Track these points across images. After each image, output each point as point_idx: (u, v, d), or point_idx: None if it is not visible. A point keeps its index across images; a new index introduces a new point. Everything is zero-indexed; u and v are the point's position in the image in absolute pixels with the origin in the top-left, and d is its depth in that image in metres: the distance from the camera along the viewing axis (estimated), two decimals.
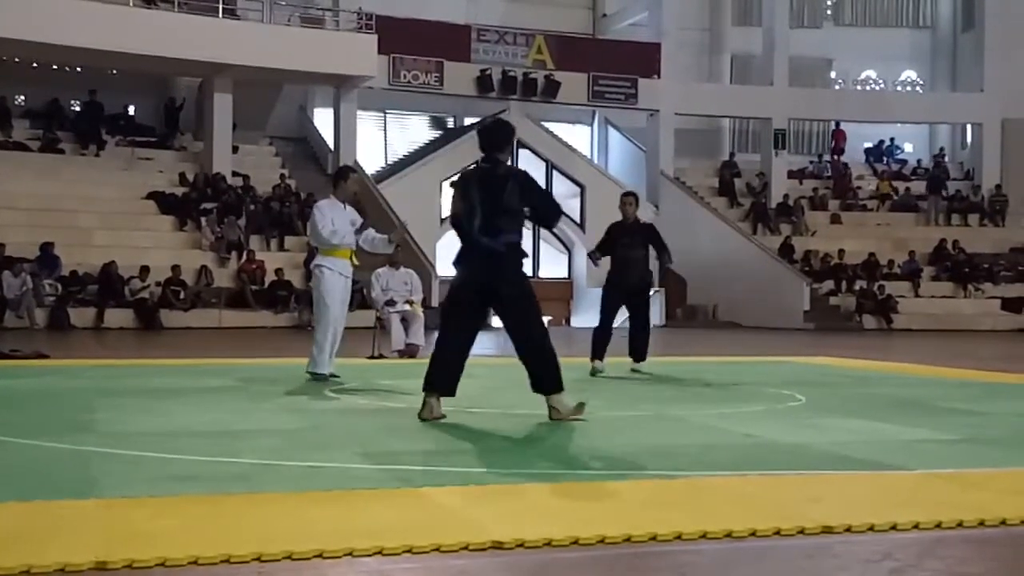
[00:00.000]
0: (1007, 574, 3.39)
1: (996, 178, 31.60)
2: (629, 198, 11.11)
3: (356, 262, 9.59)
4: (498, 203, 6.47)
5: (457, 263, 6.77)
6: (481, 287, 6.62)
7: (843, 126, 33.55)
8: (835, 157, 33.44)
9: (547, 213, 6.84)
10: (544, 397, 6.63)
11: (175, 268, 22.07)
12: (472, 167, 6.93)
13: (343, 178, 9.64)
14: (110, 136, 26.92)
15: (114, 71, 26.78)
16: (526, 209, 6.65)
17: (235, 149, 26.77)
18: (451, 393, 6.59)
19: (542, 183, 28.37)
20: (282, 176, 26.86)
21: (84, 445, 5.46)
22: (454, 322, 6.75)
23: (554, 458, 5.39)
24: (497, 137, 6.69)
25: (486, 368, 10.68)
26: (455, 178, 6.95)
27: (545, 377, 6.59)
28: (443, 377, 6.56)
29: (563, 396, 6.60)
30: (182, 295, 21.90)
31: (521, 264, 6.65)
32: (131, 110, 28.66)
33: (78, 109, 27.31)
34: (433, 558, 3.35)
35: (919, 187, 32.24)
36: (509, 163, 6.88)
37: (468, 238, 6.59)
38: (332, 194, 9.56)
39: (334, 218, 9.27)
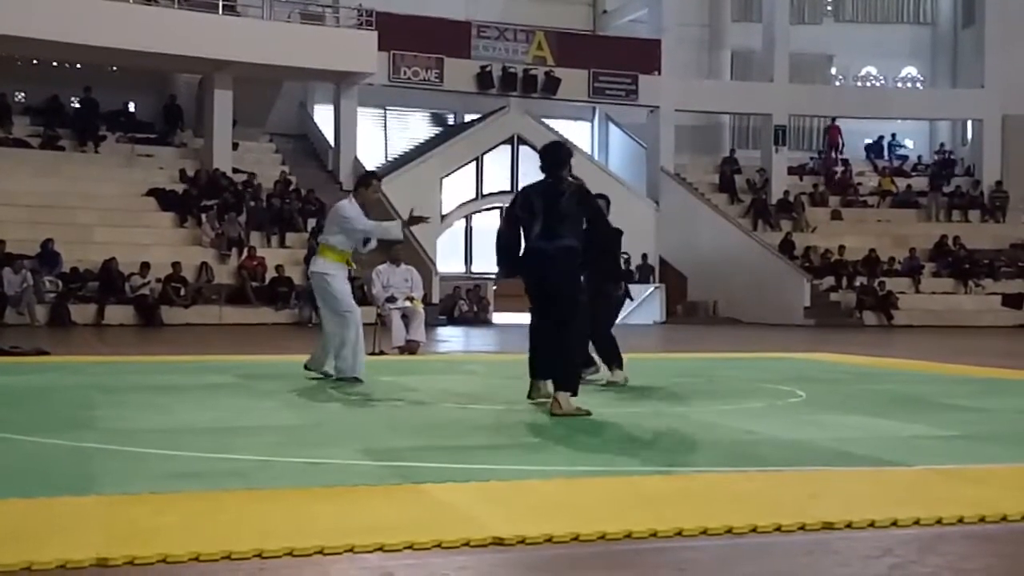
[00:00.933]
0: (1008, 570, 3.40)
1: (997, 174, 31.57)
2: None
3: (353, 265, 9.46)
4: (556, 210, 6.97)
5: (521, 265, 7.25)
6: (537, 284, 7.15)
7: (844, 123, 33.53)
8: (832, 154, 33.46)
9: (596, 228, 7.21)
10: (553, 389, 6.92)
11: (175, 265, 22.07)
12: (535, 182, 7.34)
13: (365, 184, 9.25)
14: (110, 133, 26.91)
15: (114, 68, 26.77)
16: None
17: (235, 146, 26.76)
18: (545, 377, 7.25)
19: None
20: (283, 173, 26.86)
21: (85, 442, 5.47)
22: (533, 317, 7.37)
23: (554, 454, 5.39)
24: (556, 157, 7.20)
25: (486, 364, 10.69)
26: (520, 189, 7.53)
27: (559, 370, 6.94)
28: (536, 365, 7.34)
29: (569, 396, 6.81)
30: (183, 292, 21.91)
31: (571, 266, 7.02)
32: (131, 107, 28.63)
33: (77, 106, 27.30)
34: (434, 554, 3.35)
35: (920, 183, 32.23)
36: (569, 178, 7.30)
37: (528, 243, 7.12)
38: (352, 196, 9.21)
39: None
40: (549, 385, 7.12)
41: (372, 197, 9.27)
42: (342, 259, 9.15)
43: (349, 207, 9.03)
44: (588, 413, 6.75)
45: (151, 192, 24.91)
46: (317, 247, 9.45)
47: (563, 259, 6.95)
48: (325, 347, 9.18)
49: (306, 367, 9.30)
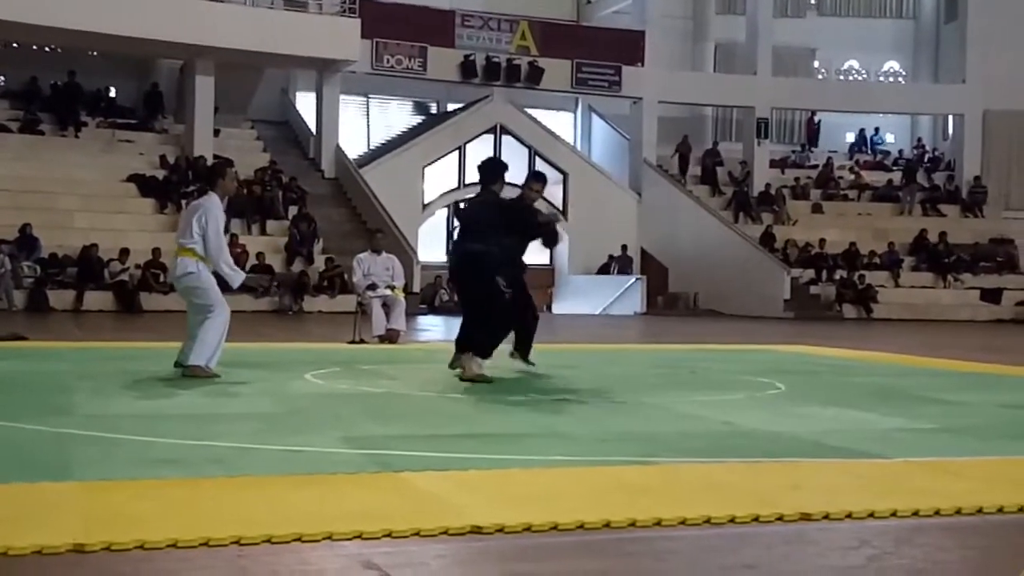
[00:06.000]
0: (983, 562, 3.42)
1: (977, 169, 31.69)
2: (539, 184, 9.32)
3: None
4: (481, 219, 8.53)
5: (449, 258, 9.06)
6: (461, 275, 8.77)
7: (826, 116, 33.66)
8: (811, 147, 33.64)
9: (525, 229, 8.82)
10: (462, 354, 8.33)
11: (155, 251, 21.93)
12: (475, 196, 9.08)
13: (221, 174, 8.68)
14: (90, 118, 26.74)
15: (94, 52, 26.58)
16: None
17: (216, 132, 26.63)
18: (461, 351, 8.56)
19: (525, 169, 28.25)
20: (272, 163, 26.66)
21: (63, 428, 5.44)
22: (460, 300, 9.38)
23: (534, 444, 5.40)
24: (488, 173, 8.76)
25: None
26: (464, 203, 9.77)
27: (473, 338, 8.34)
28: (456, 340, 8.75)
29: (474, 360, 8.13)
30: (162, 278, 21.76)
31: (489, 262, 8.30)
32: (112, 92, 28.44)
33: (57, 90, 27.08)
34: (412, 542, 3.35)
35: (900, 177, 32.34)
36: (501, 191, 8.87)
37: (458, 242, 8.75)
38: (212, 191, 8.58)
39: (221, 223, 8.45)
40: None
41: (230, 186, 8.87)
42: (205, 260, 8.43)
43: (218, 209, 8.42)
44: (489, 381, 7.96)
45: (131, 178, 24.77)
46: (177, 250, 8.60)
47: (485, 256, 8.30)
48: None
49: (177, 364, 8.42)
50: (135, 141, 26.54)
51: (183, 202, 24.07)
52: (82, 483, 4.09)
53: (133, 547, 3.17)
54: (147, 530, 3.30)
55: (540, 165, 29.55)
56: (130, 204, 24.33)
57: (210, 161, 25.43)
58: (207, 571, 3.04)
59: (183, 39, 24.12)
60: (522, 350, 9.15)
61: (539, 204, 9.41)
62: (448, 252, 8.79)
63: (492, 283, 8.25)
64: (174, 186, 24.52)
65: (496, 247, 8.33)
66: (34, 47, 26.54)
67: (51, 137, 25.65)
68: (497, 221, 8.43)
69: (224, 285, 8.58)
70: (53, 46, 26.37)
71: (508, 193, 9.10)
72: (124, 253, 21.63)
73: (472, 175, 29.26)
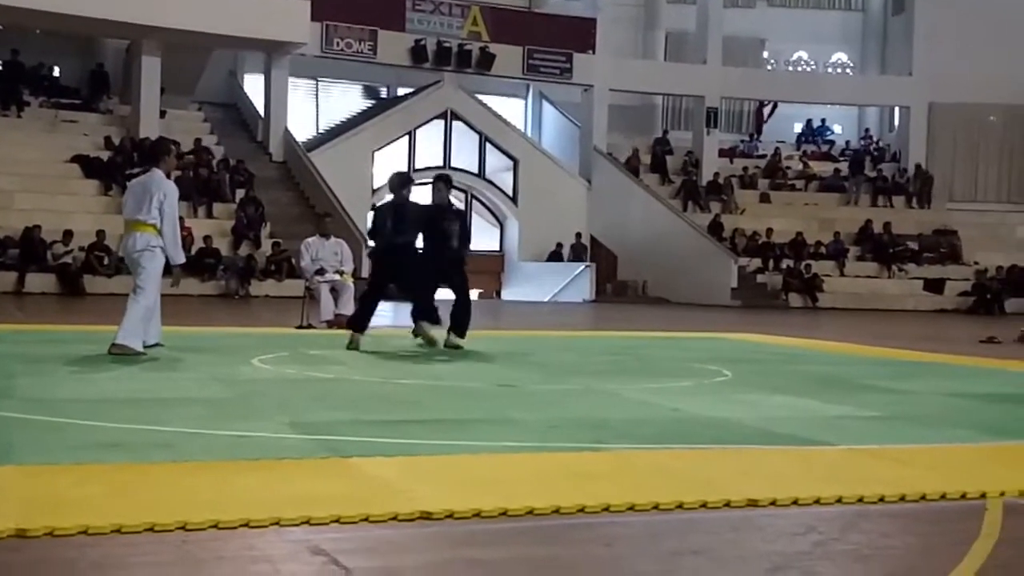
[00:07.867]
0: (926, 547, 3.47)
1: (922, 161, 32.12)
2: (440, 183, 11.12)
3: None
4: (401, 218, 10.34)
5: (376, 250, 11.05)
6: (390, 263, 10.47)
7: (777, 106, 33.96)
8: (759, 137, 33.98)
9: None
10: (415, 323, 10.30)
11: (99, 233, 21.62)
12: (387, 201, 11.00)
13: (167, 152, 9.10)
14: (33, 97, 26.28)
15: (38, 30, 26.11)
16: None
17: (163, 114, 26.29)
18: (361, 330, 10.21)
19: (475, 155, 28.49)
20: (198, 141, 26.27)
21: (3, 411, 5.35)
22: (373, 283, 10.85)
23: (483, 430, 5.40)
24: (396, 185, 10.71)
25: (414, 339, 10.65)
26: (379, 205, 11.60)
27: (418, 311, 10.39)
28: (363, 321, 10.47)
29: (426, 326, 10.27)
30: (106, 261, 21.48)
31: (413, 251, 10.47)
32: (56, 71, 27.96)
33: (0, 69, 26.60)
34: (361, 528, 3.34)
35: (846, 168, 32.68)
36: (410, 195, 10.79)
37: (384, 237, 10.45)
38: (156, 167, 8.89)
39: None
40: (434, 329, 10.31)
41: (173, 163, 9.25)
42: (161, 236, 8.68)
43: (172, 185, 8.76)
44: (434, 343, 10.11)
45: (75, 159, 24.38)
46: (131, 225, 8.81)
47: (408, 247, 10.37)
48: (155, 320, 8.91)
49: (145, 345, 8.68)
50: (79, 121, 26.12)
51: (127, 183, 23.76)
52: (23, 467, 4.02)
53: (76, 532, 3.13)
54: (91, 515, 3.25)
55: (491, 151, 29.62)
56: (74, 185, 23.96)
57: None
58: (152, 556, 3.00)
59: (130, 19, 23.71)
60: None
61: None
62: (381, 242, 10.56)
63: (416, 266, 10.39)
64: (119, 167, 24.17)
65: (412, 239, 10.46)
66: None
67: None
68: (411, 219, 10.39)
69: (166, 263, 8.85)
70: None
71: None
72: (67, 235, 21.32)
73: (422, 160, 29.43)
